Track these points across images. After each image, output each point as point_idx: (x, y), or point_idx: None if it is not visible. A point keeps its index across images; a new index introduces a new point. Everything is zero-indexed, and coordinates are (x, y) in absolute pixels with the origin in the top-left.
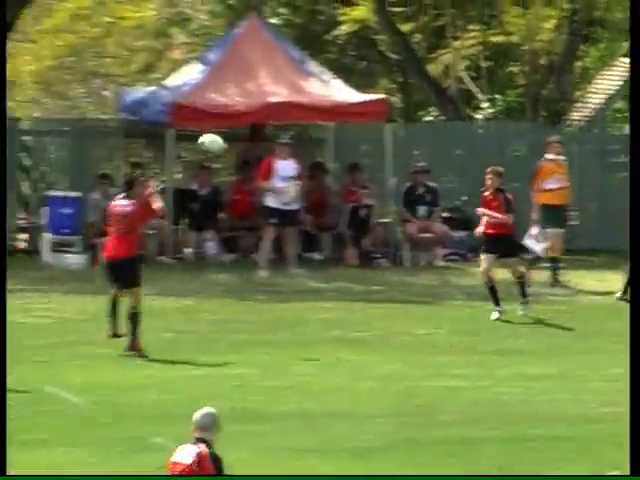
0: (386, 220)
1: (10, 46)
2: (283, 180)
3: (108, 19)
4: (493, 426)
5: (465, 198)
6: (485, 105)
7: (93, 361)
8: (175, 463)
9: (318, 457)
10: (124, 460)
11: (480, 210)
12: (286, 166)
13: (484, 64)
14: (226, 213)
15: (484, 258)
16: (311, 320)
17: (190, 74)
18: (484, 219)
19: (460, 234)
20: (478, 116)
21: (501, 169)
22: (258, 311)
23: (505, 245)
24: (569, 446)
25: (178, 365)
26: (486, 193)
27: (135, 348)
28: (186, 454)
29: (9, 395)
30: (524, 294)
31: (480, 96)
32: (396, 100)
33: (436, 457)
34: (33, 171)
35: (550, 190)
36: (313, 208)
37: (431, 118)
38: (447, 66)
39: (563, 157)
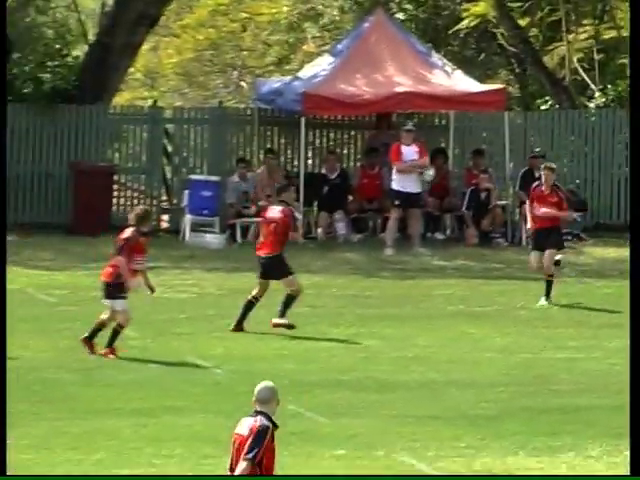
0: (504, 202)
1: (155, 40)
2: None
3: (245, 14)
4: (604, 395)
5: (578, 181)
6: (597, 95)
7: (231, 334)
8: (237, 434)
9: (440, 424)
10: None
11: (543, 210)
12: (410, 151)
13: (596, 56)
14: (354, 196)
15: (534, 255)
16: (434, 296)
17: (321, 66)
18: (535, 214)
19: (576, 215)
20: (590, 105)
21: (554, 165)
22: (384, 287)
23: (555, 238)
24: None
25: (310, 337)
26: (542, 189)
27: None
28: (244, 426)
29: (155, 364)
30: (549, 293)
31: (592, 86)
32: (514, 90)
33: (551, 424)
34: (175, 156)
35: None
36: (435, 191)
37: (546, 107)
38: (562, 58)
39: None
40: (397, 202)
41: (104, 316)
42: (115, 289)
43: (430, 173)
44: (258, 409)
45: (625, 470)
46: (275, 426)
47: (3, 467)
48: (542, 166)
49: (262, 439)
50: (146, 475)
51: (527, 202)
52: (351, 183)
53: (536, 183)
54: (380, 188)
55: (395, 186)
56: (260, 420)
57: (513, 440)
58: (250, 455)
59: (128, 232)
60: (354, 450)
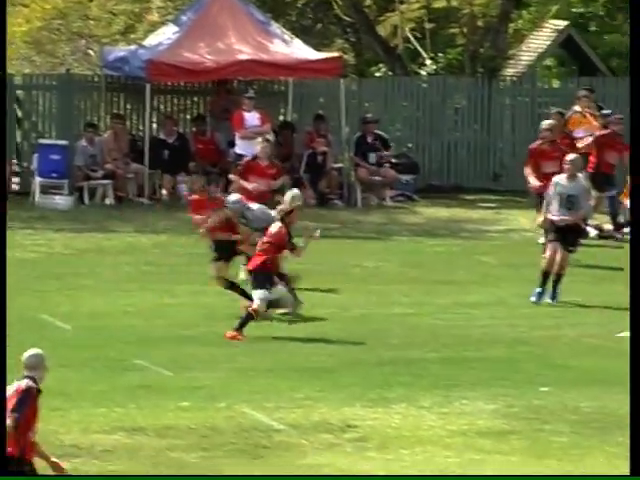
0: (340, 165)
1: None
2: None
3: None
4: (435, 348)
5: (411, 145)
6: (428, 62)
7: (80, 291)
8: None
9: (280, 377)
10: (109, 379)
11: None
12: (251, 117)
13: (428, 25)
14: (194, 159)
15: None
16: None
17: (165, 35)
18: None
19: (407, 177)
20: (422, 72)
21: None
22: None
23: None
24: (502, 366)
25: (156, 294)
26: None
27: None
28: (11, 388)
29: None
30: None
31: (424, 54)
32: (349, 58)
33: (384, 376)
34: (25, 121)
35: (578, 139)
36: (280, 156)
37: (380, 74)
38: (395, 27)
39: (590, 110)
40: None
41: None
42: None
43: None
44: (26, 374)
45: (455, 419)
46: (39, 391)
47: (3, 467)
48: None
49: (27, 399)
50: (146, 475)
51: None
52: (190, 147)
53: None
54: (217, 152)
55: (238, 150)
56: (26, 383)
57: (349, 392)
58: (16, 414)
59: None
60: (198, 402)
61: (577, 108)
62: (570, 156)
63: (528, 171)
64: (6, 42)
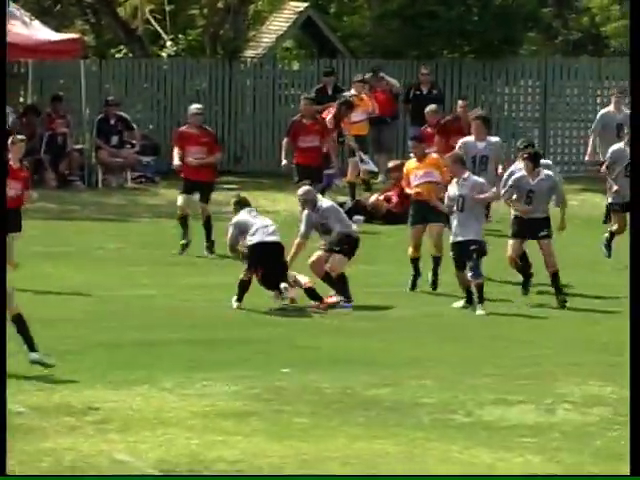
0: (81, 146)
1: None
2: None
3: None
4: (176, 330)
5: (152, 127)
6: (169, 44)
7: None
8: None
9: (14, 360)
10: None
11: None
12: None
13: (168, 7)
14: None
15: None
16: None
17: None
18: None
19: (148, 159)
20: (163, 54)
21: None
22: None
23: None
24: (245, 348)
25: None
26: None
27: None
28: None
29: None
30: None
31: (164, 36)
32: (90, 39)
33: (126, 358)
34: None
35: (356, 122)
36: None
37: (121, 55)
38: (135, 8)
39: (365, 93)
40: None
41: None
42: None
43: None
44: None
45: (196, 401)
46: None
47: (3, 467)
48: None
49: None
50: (146, 475)
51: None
52: None
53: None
54: None
55: None
56: None
57: (90, 374)
58: None
59: None
60: None
61: (352, 92)
62: None
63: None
64: (6, 42)
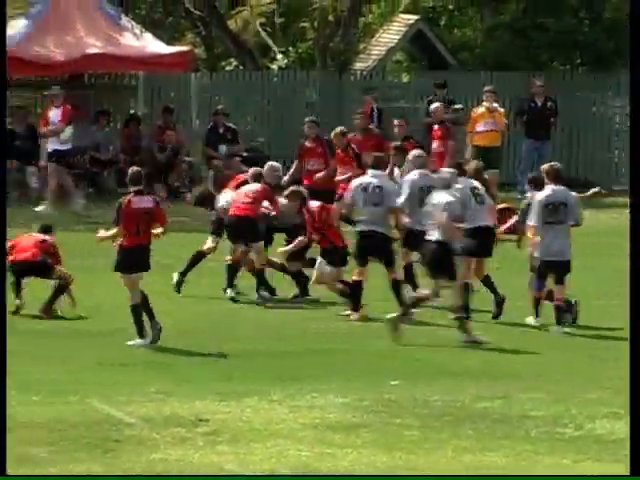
0: (191, 159)
1: None
2: (54, 125)
3: None
4: (284, 341)
5: (262, 139)
6: (279, 57)
7: None
8: None
9: (131, 370)
10: None
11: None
12: (55, 113)
13: (278, 20)
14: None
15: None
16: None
17: (15, 29)
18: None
19: None
20: (273, 66)
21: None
22: (79, 240)
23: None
24: (354, 359)
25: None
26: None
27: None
28: None
29: None
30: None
31: (274, 48)
32: (200, 52)
33: (235, 368)
34: None
35: (480, 132)
36: (128, 149)
37: (231, 68)
38: (245, 21)
39: (496, 104)
40: (53, 159)
41: None
42: None
43: (66, 133)
44: None
45: (306, 412)
46: None
47: (3, 467)
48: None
49: None
50: (146, 475)
51: None
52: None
53: None
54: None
55: (49, 145)
56: None
57: (201, 385)
58: None
59: None
60: (47, 396)
61: (460, 105)
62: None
63: None
64: (5, 42)
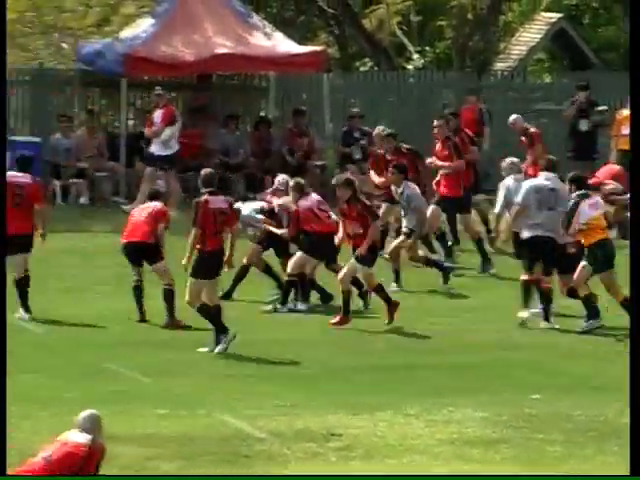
0: (323, 163)
1: None
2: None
3: None
4: (420, 354)
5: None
6: (416, 56)
7: (53, 294)
8: (64, 442)
9: (261, 383)
10: (83, 385)
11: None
12: (158, 114)
13: (415, 18)
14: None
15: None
16: None
17: (141, 27)
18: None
19: None
20: (409, 67)
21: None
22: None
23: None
24: (492, 373)
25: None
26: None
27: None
28: (79, 437)
29: None
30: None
31: (410, 48)
32: (333, 52)
33: (369, 382)
34: None
35: (626, 136)
36: (258, 153)
37: (366, 68)
38: (381, 20)
39: None
40: (150, 163)
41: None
42: None
43: (166, 134)
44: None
45: (443, 427)
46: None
47: (3, 467)
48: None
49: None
50: (146, 475)
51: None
52: None
53: None
54: (203, 148)
55: (151, 149)
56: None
57: (332, 399)
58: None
59: None
60: (176, 409)
61: (605, 107)
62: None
63: None
64: (6, 42)
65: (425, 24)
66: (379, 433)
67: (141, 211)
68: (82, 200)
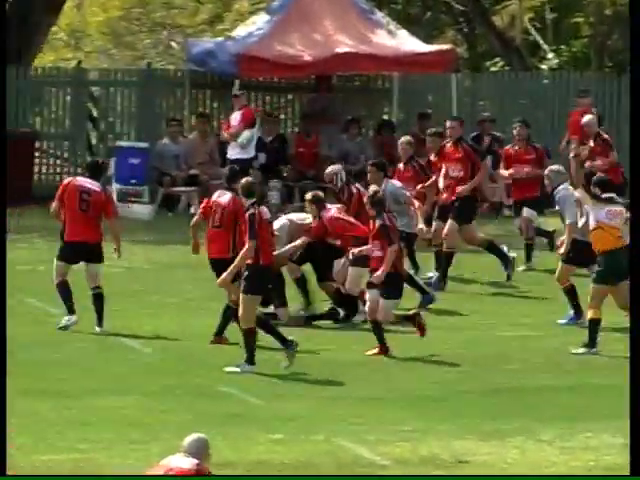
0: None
1: None
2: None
3: None
4: (555, 375)
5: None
6: (550, 56)
7: (161, 310)
8: (168, 467)
9: (383, 406)
10: (193, 408)
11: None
12: (235, 117)
13: (549, 15)
14: (291, 163)
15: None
16: None
17: (256, 25)
18: None
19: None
20: (543, 66)
21: None
22: None
23: None
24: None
25: None
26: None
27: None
28: (184, 462)
29: (81, 344)
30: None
31: (545, 47)
32: (462, 51)
33: (500, 406)
34: (101, 122)
35: None
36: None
37: (496, 68)
38: (513, 17)
39: None
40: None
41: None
42: None
43: (244, 137)
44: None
45: (580, 455)
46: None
47: (3, 467)
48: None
49: None
50: (147, 475)
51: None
52: (288, 149)
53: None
54: (317, 156)
55: (229, 152)
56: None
57: (460, 423)
58: None
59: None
60: (292, 434)
61: None
62: None
63: None
64: (5, 41)
65: (560, 21)
66: (510, 460)
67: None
68: (193, 209)
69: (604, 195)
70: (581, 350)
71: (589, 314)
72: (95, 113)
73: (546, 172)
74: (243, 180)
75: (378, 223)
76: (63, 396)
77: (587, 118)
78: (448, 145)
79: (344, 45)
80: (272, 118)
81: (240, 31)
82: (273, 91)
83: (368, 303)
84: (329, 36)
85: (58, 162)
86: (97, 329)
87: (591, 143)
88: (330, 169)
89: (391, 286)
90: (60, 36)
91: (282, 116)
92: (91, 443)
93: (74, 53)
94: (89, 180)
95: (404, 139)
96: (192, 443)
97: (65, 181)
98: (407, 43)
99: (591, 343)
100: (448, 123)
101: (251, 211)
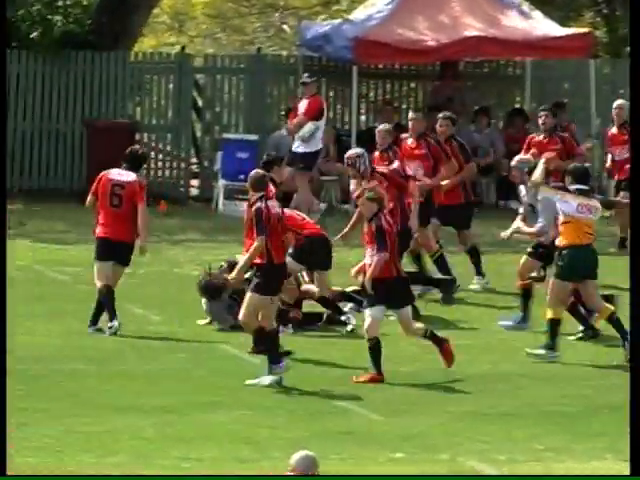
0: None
1: None
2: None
3: None
4: None
5: None
6: None
7: None
8: None
9: (514, 423)
10: (305, 424)
11: None
12: (301, 107)
13: None
14: None
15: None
16: None
17: (376, 6)
18: None
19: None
20: None
21: None
22: None
23: None
24: None
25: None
26: None
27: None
28: None
29: (183, 353)
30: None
31: None
32: (601, 34)
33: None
34: (206, 112)
35: None
36: (512, 152)
37: None
38: None
39: None
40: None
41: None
42: None
43: (306, 130)
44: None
45: None
46: None
47: (3, 467)
48: None
49: None
50: (147, 475)
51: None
52: None
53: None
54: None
55: (296, 148)
56: None
57: (598, 442)
58: None
59: None
60: (414, 453)
61: None
62: None
63: None
64: (5, 40)
65: None
66: None
67: None
68: None
69: (574, 187)
70: (542, 352)
71: (549, 313)
72: (200, 103)
73: (513, 163)
74: (253, 172)
75: (374, 225)
76: (165, 411)
77: (622, 101)
78: (409, 141)
79: (472, 28)
80: (391, 107)
81: (358, 13)
82: (394, 78)
83: (369, 320)
84: (455, 19)
85: (160, 156)
86: (89, 330)
87: (614, 130)
88: (353, 151)
89: (378, 294)
90: (162, 19)
91: (403, 106)
92: (194, 462)
93: (177, 37)
94: (125, 172)
95: (382, 127)
96: (299, 461)
97: (100, 174)
98: (541, 26)
99: (551, 344)
100: (411, 114)
101: (258, 205)
